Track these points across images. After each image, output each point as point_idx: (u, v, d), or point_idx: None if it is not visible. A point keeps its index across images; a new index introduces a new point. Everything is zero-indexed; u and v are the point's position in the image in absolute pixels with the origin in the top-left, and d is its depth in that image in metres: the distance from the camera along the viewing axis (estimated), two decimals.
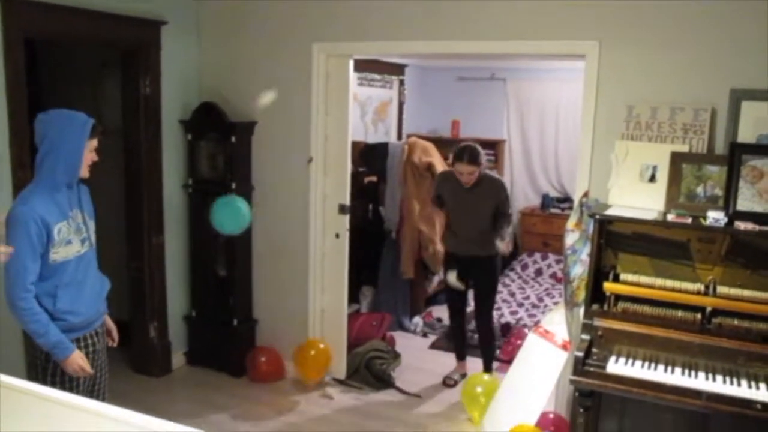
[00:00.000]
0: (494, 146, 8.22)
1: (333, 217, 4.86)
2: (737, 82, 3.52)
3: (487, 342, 5.05)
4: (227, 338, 5.09)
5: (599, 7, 3.83)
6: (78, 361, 2.84)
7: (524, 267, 7.67)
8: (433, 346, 5.90)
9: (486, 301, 4.98)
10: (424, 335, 6.12)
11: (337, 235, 4.86)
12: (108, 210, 4.87)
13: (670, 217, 3.31)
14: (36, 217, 2.70)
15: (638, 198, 3.58)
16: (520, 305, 6.62)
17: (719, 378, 3.03)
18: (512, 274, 7.52)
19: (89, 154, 2.87)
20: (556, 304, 5.68)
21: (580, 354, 3.19)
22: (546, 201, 7.97)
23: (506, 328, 5.76)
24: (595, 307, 3.37)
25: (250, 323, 5.19)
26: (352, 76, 4.81)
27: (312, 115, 4.74)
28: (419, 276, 6.38)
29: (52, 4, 3.92)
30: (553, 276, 7.41)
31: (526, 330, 5.26)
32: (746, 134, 3.48)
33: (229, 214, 4.21)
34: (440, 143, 7.01)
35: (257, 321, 5.21)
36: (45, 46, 5.35)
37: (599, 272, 3.40)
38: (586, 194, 3.92)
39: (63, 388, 2.81)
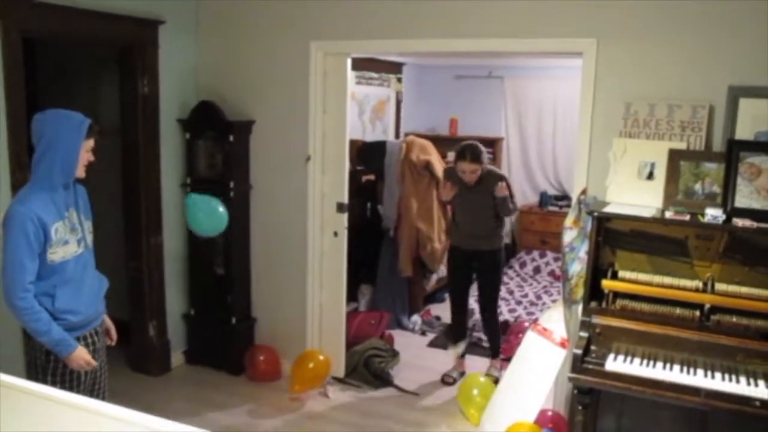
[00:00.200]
0: (492, 144, 8.22)
1: (331, 215, 4.86)
2: (735, 79, 3.52)
3: (493, 332, 5.15)
4: (226, 337, 5.09)
5: (597, 5, 3.83)
6: (83, 356, 2.86)
7: (522, 265, 7.68)
8: (432, 344, 5.91)
9: (491, 294, 5.05)
10: (423, 333, 6.12)
11: (336, 234, 4.86)
12: (106, 209, 4.88)
13: (668, 215, 3.31)
14: (33, 217, 2.70)
15: (636, 195, 3.58)
16: (519, 303, 6.63)
17: (718, 375, 3.04)
18: (510, 272, 7.53)
19: (86, 154, 2.87)
20: (554, 301, 5.68)
21: (579, 351, 3.20)
22: (544, 199, 7.98)
23: (504, 325, 5.77)
24: (593, 304, 3.37)
25: (249, 322, 5.19)
26: (350, 74, 4.80)
27: (310, 113, 4.73)
28: (417, 274, 6.38)
29: (50, 4, 3.91)
30: (552, 274, 7.42)
31: (526, 324, 5.28)
32: (744, 131, 3.48)
33: (206, 216, 4.13)
34: (438, 141, 7.01)
35: (256, 319, 5.22)
36: (43, 45, 5.34)
37: (597, 270, 3.40)
38: (584, 192, 3.92)
39: (63, 387, 2.82)
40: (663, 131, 3.66)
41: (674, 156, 3.50)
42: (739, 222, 3.16)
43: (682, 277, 3.28)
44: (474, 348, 5.60)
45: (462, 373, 5.14)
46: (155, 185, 4.86)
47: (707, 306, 3.19)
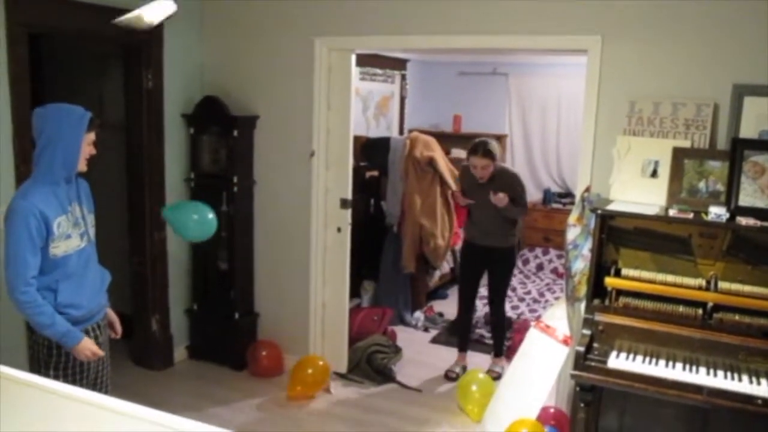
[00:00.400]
0: (496, 141, 8.21)
1: (335, 211, 4.86)
2: (740, 78, 3.51)
3: (499, 328, 5.20)
4: (229, 332, 5.10)
5: (601, 2, 3.82)
6: (89, 346, 2.87)
7: (525, 262, 7.68)
8: (434, 340, 5.91)
9: (500, 290, 5.12)
10: (425, 330, 6.13)
11: (339, 229, 4.87)
12: (110, 204, 4.89)
13: (672, 213, 3.31)
14: (35, 211, 2.70)
15: (640, 193, 3.58)
16: (522, 300, 6.64)
17: (720, 373, 3.03)
18: (513, 269, 7.52)
19: (87, 147, 2.87)
20: (557, 299, 5.69)
21: (581, 349, 3.20)
22: (547, 196, 7.97)
23: (507, 322, 5.76)
24: (596, 302, 3.37)
25: (252, 317, 5.20)
26: (354, 70, 4.80)
27: (314, 109, 4.73)
28: (420, 270, 6.38)
29: None
30: (555, 271, 7.42)
31: (532, 323, 5.29)
32: (748, 130, 3.48)
33: (197, 221, 4.00)
34: (442, 138, 7.01)
35: (258, 315, 5.22)
36: (48, 40, 5.34)
37: (600, 267, 3.40)
38: (587, 189, 3.92)
39: (66, 380, 2.82)
40: (667, 129, 3.65)
41: (678, 154, 3.50)
42: (743, 220, 3.15)
43: (685, 275, 3.27)
44: (475, 345, 5.61)
45: (464, 368, 5.17)
46: (159, 180, 4.87)
47: (710, 304, 3.19)
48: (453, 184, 6.12)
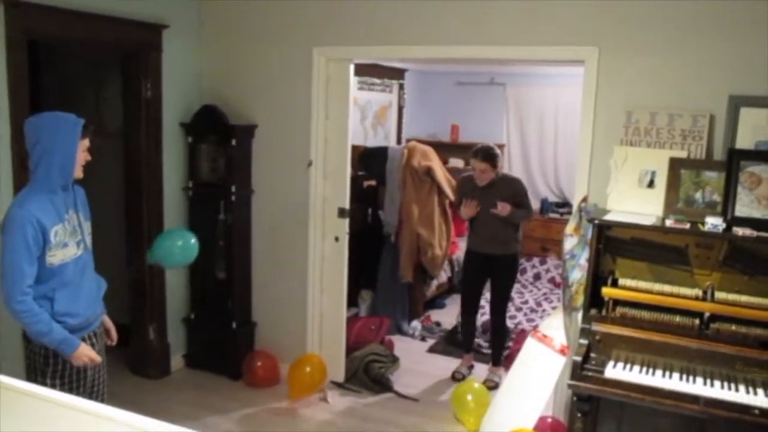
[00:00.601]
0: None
1: (332, 220, 4.87)
2: (736, 89, 3.53)
3: (499, 336, 5.22)
4: (226, 341, 5.09)
5: (599, 13, 3.84)
6: (86, 353, 2.87)
7: (523, 271, 7.68)
8: (432, 350, 5.91)
9: (502, 297, 5.15)
10: (423, 339, 6.12)
11: (337, 239, 4.87)
12: (108, 212, 4.89)
13: (669, 223, 3.32)
14: (32, 220, 2.69)
15: (637, 203, 3.59)
16: (519, 310, 6.63)
17: (717, 383, 3.04)
18: (516, 277, 7.52)
19: (82, 154, 2.87)
20: (554, 308, 5.68)
21: (579, 359, 3.20)
22: (545, 206, 7.99)
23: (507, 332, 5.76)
24: (593, 311, 3.38)
25: (249, 326, 5.19)
26: (353, 80, 4.82)
27: (312, 118, 4.75)
28: (418, 280, 6.38)
29: (54, 7, 3.93)
30: (552, 281, 7.42)
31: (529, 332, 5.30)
32: (744, 140, 3.49)
33: (180, 248, 4.01)
34: (439, 147, 7.03)
35: (256, 324, 5.22)
36: (47, 48, 5.36)
37: (598, 277, 3.41)
38: (585, 199, 3.93)
39: (62, 389, 2.82)
40: (664, 140, 3.67)
41: (675, 164, 3.51)
42: (739, 231, 3.16)
43: (682, 285, 3.28)
44: (473, 354, 5.61)
45: (471, 368, 5.28)
46: (157, 188, 4.87)
47: (707, 314, 3.20)
48: (451, 194, 6.14)
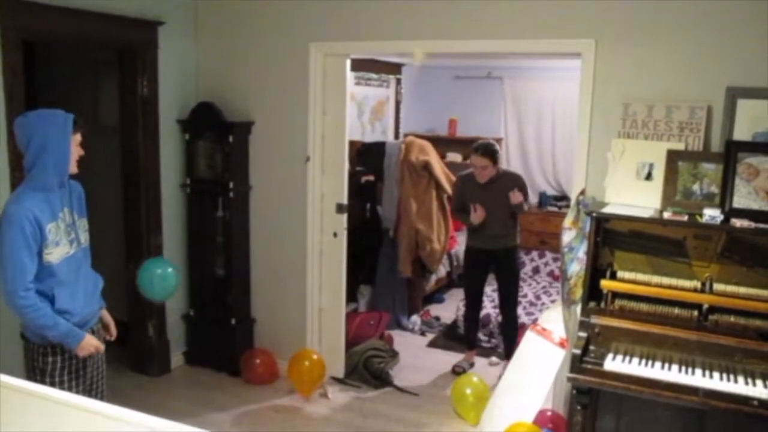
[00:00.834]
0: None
1: (331, 216, 4.86)
2: (733, 80, 3.53)
3: (512, 330, 5.22)
4: (225, 337, 5.10)
5: (595, 6, 3.84)
6: (91, 342, 2.90)
7: (521, 265, 7.67)
8: (431, 344, 5.92)
9: (511, 291, 5.18)
10: (422, 334, 6.13)
11: (335, 234, 4.87)
12: (106, 210, 4.89)
13: (667, 215, 3.32)
14: (30, 216, 2.69)
15: (635, 196, 3.59)
16: (518, 303, 6.63)
17: (716, 375, 3.04)
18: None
19: (75, 149, 2.86)
20: (553, 302, 5.69)
21: (578, 351, 3.20)
22: (543, 199, 7.98)
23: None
24: (592, 304, 3.38)
25: (248, 322, 5.20)
26: (349, 75, 4.81)
27: (309, 114, 4.74)
28: (417, 275, 6.39)
29: (49, 5, 3.92)
30: (551, 274, 7.42)
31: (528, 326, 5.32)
32: (742, 132, 3.49)
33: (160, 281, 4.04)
34: (437, 142, 7.02)
35: (255, 320, 5.22)
36: (43, 46, 5.34)
37: (596, 270, 3.41)
38: (582, 192, 3.93)
39: (61, 387, 2.82)
40: (661, 132, 3.66)
41: (672, 157, 3.51)
42: (737, 222, 3.16)
43: (680, 277, 3.28)
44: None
45: (472, 364, 5.28)
46: (155, 186, 4.87)
47: (705, 306, 3.20)
48: (449, 188, 6.14)
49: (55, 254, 2.79)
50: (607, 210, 3.43)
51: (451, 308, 6.59)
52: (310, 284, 4.96)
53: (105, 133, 5.18)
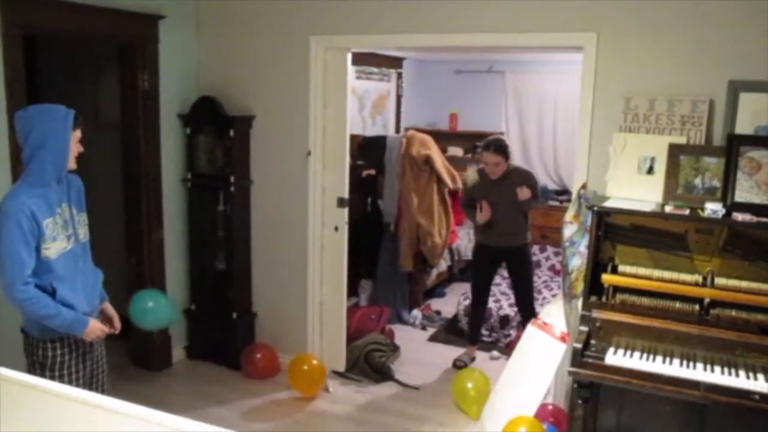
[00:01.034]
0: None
1: (332, 210, 4.86)
2: (735, 74, 3.52)
3: None
4: (226, 332, 5.10)
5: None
6: (98, 326, 2.92)
7: (534, 263, 7.66)
8: (432, 338, 5.92)
9: (526, 288, 5.16)
10: (423, 328, 6.14)
11: (336, 228, 4.86)
12: (107, 204, 4.89)
13: (668, 209, 3.32)
14: (26, 211, 2.68)
15: (636, 190, 3.58)
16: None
17: (717, 369, 3.04)
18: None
19: (75, 145, 2.85)
20: (554, 296, 5.69)
21: (579, 346, 3.20)
22: (544, 193, 7.97)
23: (505, 320, 5.77)
24: (593, 298, 3.38)
25: (249, 317, 5.20)
26: (350, 69, 4.80)
27: (310, 108, 4.73)
28: (418, 269, 6.39)
29: (50, 0, 3.91)
30: (552, 268, 7.42)
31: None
32: (744, 126, 3.48)
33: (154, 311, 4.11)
34: (438, 136, 7.01)
35: (256, 315, 5.22)
36: (43, 41, 5.34)
37: (597, 264, 3.40)
38: (584, 186, 3.93)
39: (61, 381, 2.82)
40: (663, 126, 3.66)
41: (674, 150, 3.50)
42: (739, 216, 3.16)
43: (681, 271, 3.28)
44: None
45: (473, 359, 5.28)
46: (156, 180, 4.87)
47: (707, 300, 3.20)
48: (450, 182, 6.13)
49: (52, 249, 2.78)
50: (608, 204, 3.43)
51: (452, 302, 6.59)
52: (311, 278, 4.96)
53: (106, 128, 5.17)
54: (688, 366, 3.08)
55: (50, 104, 2.82)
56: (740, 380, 2.96)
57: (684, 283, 3.24)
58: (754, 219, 3.13)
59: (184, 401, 4.58)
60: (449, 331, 6.02)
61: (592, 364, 3.16)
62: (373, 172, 6.50)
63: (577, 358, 3.17)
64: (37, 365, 2.87)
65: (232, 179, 4.88)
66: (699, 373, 3.03)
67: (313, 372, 4.69)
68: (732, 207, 3.24)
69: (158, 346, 5.03)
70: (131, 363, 5.07)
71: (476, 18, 4.15)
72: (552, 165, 8.13)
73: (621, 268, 3.37)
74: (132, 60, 4.69)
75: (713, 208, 3.19)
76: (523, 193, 4.87)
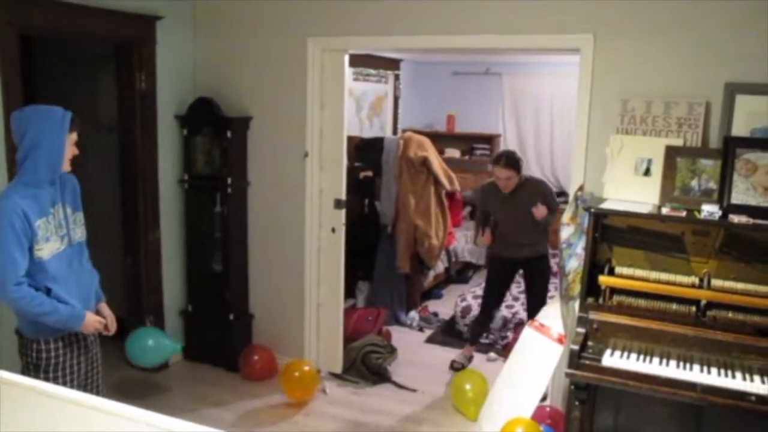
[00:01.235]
0: (489, 141, 8.24)
1: (329, 211, 4.86)
2: (732, 76, 3.52)
3: None
4: (223, 333, 5.09)
5: (593, 1, 3.83)
6: (96, 319, 2.93)
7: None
8: (429, 340, 5.92)
9: (541, 297, 5.04)
10: (420, 330, 6.14)
11: (333, 230, 4.86)
12: (104, 205, 4.89)
13: (665, 211, 3.32)
14: (18, 211, 2.67)
15: (633, 192, 3.59)
16: (516, 299, 6.62)
17: (714, 370, 3.04)
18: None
19: (70, 148, 2.84)
20: (551, 297, 5.68)
21: (576, 347, 3.20)
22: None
23: (503, 322, 5.77)
24: (590, 300, 3.38)
25: (246, 318, 5.19)
26: (347, 71, 4.80)
27: (307, 110, 4.73)
28: (415, 271, 6.38)
29: (46, 0, 3.90)
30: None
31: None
32: (740, 128, 3.49)
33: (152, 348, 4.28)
34: (436, 138, 7.02)
35: (253, 316, 5.22)
36: (40, 41, 5.33)
37: (594, 266, 3.40)
38: (581, 188, 3.93)
39: (56, 382, 2.81)
40: (660, 128, 3.66)
41: (671, 152, 3.51)
42: (735, 218, 3.16)
43: (678, 273, 3.28)
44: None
45: (470, 358, 5.25)
46: (153, 181, 4.86)
47: (703, 302, 3.20)
48: (447, 184, 6.13)
49: (45, 250, 2.77)
50: (605, 205, 3.43)
51: (449, 304, 6.59)
52: (308, 280, 4.96)
53: (102, 129, 5.17)
54: (684, 367, 3.08)
55: (47, 105, 2.81)
56: (737, 382, 2.97)
57: (681, 284, 3.24)
58: (751, 221, 3.13)
59: (181, 402, 4.57)
60: (446, 333, 6.02)
61: (589, 366, 3.16)
62: (370, 173, 6.51)
63: (574, 359, 3.18)
64: (31, 366, 2.86)
65: (229, 180, 4.87)
66: (696, 374, 3.03)
67: (305, 377, 4.63)
68: (728, 209, 3.25)
69: None
70: (128, 364, 5.05)
71: (473, 20, 4.15)
72: (549, 167, 8.15)
73: (618, 269, 3.37)
74: (129, 61, 4.68)
75: (710, 210, 3.19)
76: (540, 212, 4.71)
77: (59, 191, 2.88)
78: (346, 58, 4.72)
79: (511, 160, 4.73)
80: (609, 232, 3.43)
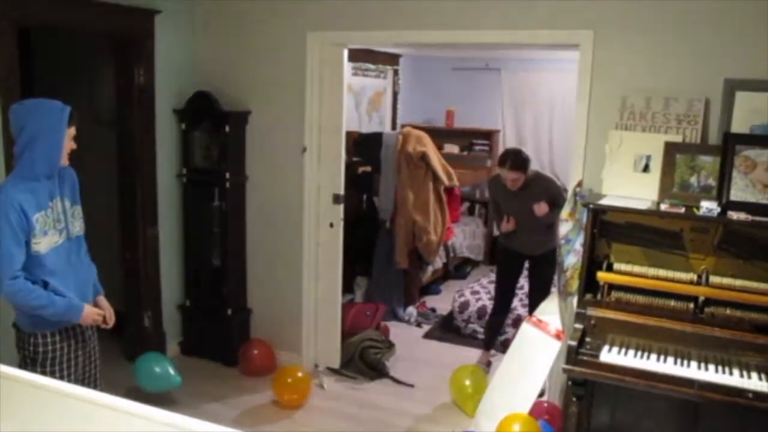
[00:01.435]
0: (488, 136, 8.23)
1: (327, 206, 4.86)
2: (731, 72, 3.52)
3: None
4: (221, 328, 5.09)
5: None
6: (94, 311, 2.93)
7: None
8: (427, 335, 5.92)
9: (543, 290, 4.95)
10: (418, 325, 6.14)
11: (332, 225, 4.86)
12: (102, 200, 4.88)
13: (664, 207, 3.32)
14: (15, 204, 2.66)
15: (632, 188, 3.59)
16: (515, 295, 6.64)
17: (711, 367, 3.05)
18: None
19: (69, 142, 2.83)
20: (549, 293, 5.69)
21: (574, 343, 3.20)
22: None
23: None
24: (588, 296, 3.38)
25: (245, 313, 5.19)
26: (347, 65, 4.79)
27: (306, 104, 4.72)
28: (413, 266, 6.38)
29: None
30: None
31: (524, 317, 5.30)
32: (740, 124, 3.49)
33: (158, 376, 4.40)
34: (435, 133, 7.01)
35: (251, 311, 5.22)
36: (39, 35, 5.31)
37: (593, 262, 3.40)
38: (579, 184, 3.93)
39: (53, 376, 2.80)
40: (659, 124, 3.66)
41: (670, 149, 3.51)
42: (734, 215, 3.16)
43: (676, 269, 3.28)
44: (468, 339, 5.66)
45: (488, 364, 5.15)
46: (151, 176, 4.85)
47: (701, 298, 3.20)
48: (446, 179, 6.13)
49: (43, 244, 2.76)
50: (604, 202, 3.43)
51: (447, 300, 6.59)
52: (306, 275, 4.95)
53: (101, 123, 5.16)
54: (682, 364, 3.09)
55: (46, 99, 2.80)
56: (734, 378, 2.97)
57: (679, 281, 3.25)
58: (749, 218, 3.13)
59: (179, 397, 4.56)
60: (444, 329, 6.03)
61: (586, 362, 3.17)
62: (368, 168, 6.50)
63: (572, 355, 3.18)
64: (28, 360, 2.86)
65: (227, 175, 4.87)
66: (693, 371, 3.04)
67: (298, 383, 4.56)
68: (727, 206, 3.25)
69: (153, 342, 5.01)
70: (125, 358, 5.06)
71: (473, 15, 4.15)
72: (548, 162, 8.14)
73: (616, 266, 3.37)
74: (128, 55, 4.67)
75: (708, 207, 3.19)
76: (540, 209, 4.64)
77: (58, 185, 2.87)
78: (345, 53, 4.71)
79: (516, 163, 4.63)
80: (607, 228, 3.42)
